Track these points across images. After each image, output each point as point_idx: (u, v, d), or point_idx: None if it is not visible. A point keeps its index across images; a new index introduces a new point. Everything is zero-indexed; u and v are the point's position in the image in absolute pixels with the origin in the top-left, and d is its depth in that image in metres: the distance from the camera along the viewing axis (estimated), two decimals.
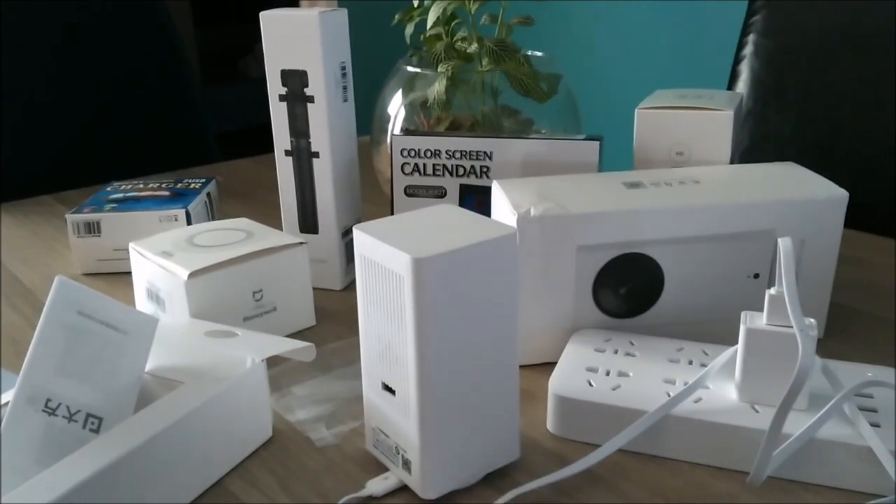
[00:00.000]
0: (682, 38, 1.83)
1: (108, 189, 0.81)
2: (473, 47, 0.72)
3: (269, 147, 0.65)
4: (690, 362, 0.50)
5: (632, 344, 0.53)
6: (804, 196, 0.55)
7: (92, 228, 0.73)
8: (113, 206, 0.75)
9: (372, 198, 0.94)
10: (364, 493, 0.43)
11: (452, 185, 0.66)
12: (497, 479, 0.44)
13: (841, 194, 0.55)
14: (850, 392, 0.44)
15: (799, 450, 0.43)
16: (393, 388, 0.42)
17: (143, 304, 0.62)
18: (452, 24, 0.76)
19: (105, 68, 1.20)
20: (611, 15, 1.95)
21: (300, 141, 0.66)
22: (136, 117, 1.23)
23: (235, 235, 0.62)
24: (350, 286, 0.70)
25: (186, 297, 0.56)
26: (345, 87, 0.66)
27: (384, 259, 0.40)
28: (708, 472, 0.45)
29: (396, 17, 0.78)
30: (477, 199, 0.66)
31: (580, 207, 0.53)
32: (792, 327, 0.44)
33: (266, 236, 0.62)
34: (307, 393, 0.54)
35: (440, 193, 0.67)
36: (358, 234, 0.42)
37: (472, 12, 0.73)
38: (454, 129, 0.74)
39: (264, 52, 0.64)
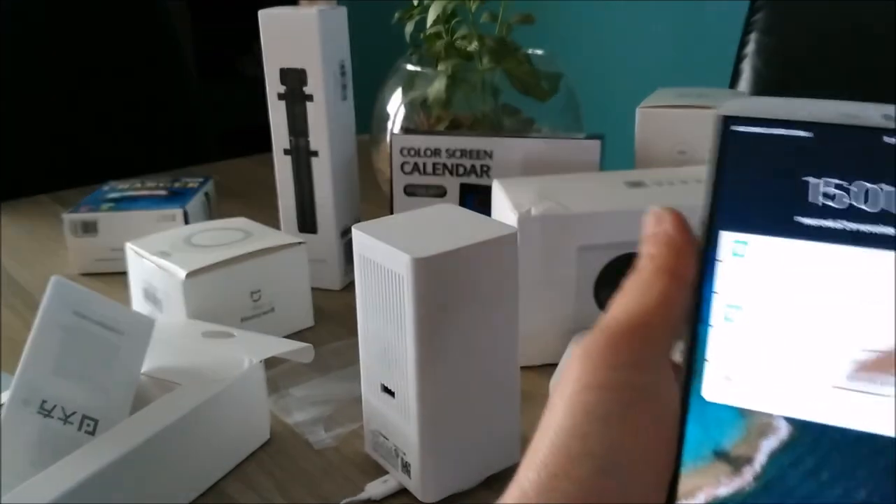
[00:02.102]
0: (684, 37, 1.83)
1: (106, 189, 0.80)
2: (474, 46, 0.72)
3: (267, 146, 0.64)
4: None
5: None
6: None
7: (89, 228, 0.73)
8: (110, 205, 0.74)
9: (371, 197, 0.93)
10: (363, 496, 0.43)
11: (452, 184, 0.66)
12: (498, 482, 0.44)
13: None
14: None
15: None
16: (392, 390, 0.42)
17: (140, 304, 0.62)
18: (452, 22, 0.75)
19: (103, 68, 1.19)
20: (612, 13, 1.95)
21: (299, 140, 0.65)
22: (134, 117, 1.22)
23: (233, 235, 0.62)
24: (349, 286, 0.70)
25: (184, 297, 0.55)
26: (344, 86, 0.66)
27: (383, 259, 0.39)
28: None
29: (396, 15, 0.78)
30: (477, 199, 0.66)
31: (581, 207, 0.52)
32: None
33: (264, 236, 0.61)
34: (305, 394, 0.53)
35: (440, 193, 0.67)
36: (357, 234, 0.41)
37: (473, 10, 0.73)
38: (454, 128, 0.73)
39: (263, 50, 0.64)
